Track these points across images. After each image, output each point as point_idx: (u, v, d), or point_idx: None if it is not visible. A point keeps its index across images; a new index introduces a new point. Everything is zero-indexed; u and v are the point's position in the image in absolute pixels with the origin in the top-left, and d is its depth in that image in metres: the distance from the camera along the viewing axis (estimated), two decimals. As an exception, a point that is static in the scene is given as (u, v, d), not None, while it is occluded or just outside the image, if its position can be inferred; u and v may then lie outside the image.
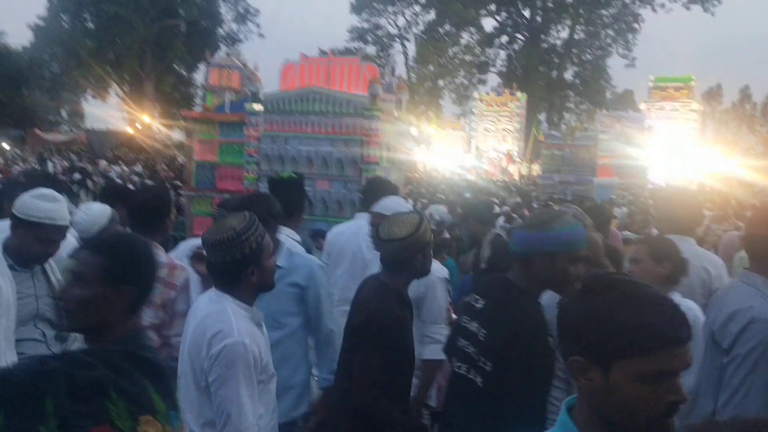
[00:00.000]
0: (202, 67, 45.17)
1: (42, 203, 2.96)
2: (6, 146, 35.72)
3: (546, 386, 2.49)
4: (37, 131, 38.48)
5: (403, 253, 2.87)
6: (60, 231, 3.02)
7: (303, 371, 3.43)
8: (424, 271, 3.03)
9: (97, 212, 3.81)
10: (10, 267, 2.87)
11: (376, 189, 4.46)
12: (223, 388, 2.37)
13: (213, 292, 2.57)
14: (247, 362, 2.40)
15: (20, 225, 2.96)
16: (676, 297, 3.07)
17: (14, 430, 0.56)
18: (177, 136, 38.76)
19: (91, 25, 44.20)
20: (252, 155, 7.52)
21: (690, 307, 3.02)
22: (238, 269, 2.47)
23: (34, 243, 2.96)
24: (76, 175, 19.41)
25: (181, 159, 33.16)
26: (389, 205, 3.80)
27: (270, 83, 7.98)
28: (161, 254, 3.33)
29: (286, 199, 3.84)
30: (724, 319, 2.73)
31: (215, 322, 2.44)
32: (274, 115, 7.30)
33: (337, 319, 3.50)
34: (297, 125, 7.21)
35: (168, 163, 31.46)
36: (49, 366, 0.60)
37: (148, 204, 3.49)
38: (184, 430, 0.66)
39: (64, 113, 53.22)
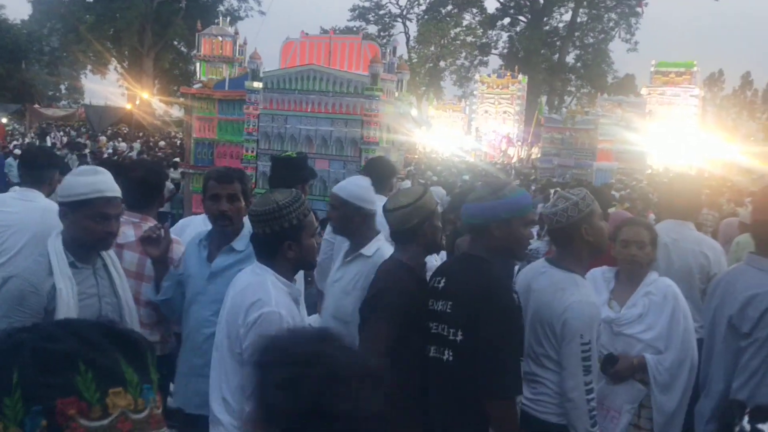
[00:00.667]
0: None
1: (83, 178, 2.69)
2: (5, 120, 35.55)
3: (519, 347, 2.62)
4: (36, 106, 38.27)
5: (409, 220, 2.86)
6: (112, 204, 2.69)
7: None
8: (435, 243, 2.99)
9: None
10: (71, 264, 2.67)
11: (377, 169, 4.39)
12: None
13: (256, 265, 2.65)
14: None
15: (69, 210, 2.67)
16: (653, 275, 3.23)
17: None
18: (176, 113, 38.61)
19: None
20: (251, 133, 7.49)
21: (668, 284, 3.20)
22: (276, 242, 2.55)
23: (89, 225, 2.64)
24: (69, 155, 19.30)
25: (179, 136, 33.06)
26: (346, 186, 3.61)
27: (270, 61, 7.93)
28: None
29: (288, 178, 3.81)
30: (742, 304, 2.79)
31: (254, 291, 2.52)
32: (273, 93, 7.27)
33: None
34: (297, 104, 7.17)
35: (166, 139, 31.35)
36: (16, 338, 0.60)
37: (142, 179, 3.48)
38: (159, 403, 0.66)
39: (63, 88, 52.95)
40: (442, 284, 2.68)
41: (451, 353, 2.55)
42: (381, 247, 3.23)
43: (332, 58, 7.55)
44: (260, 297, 2.49)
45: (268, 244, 2.57)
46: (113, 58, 44.67)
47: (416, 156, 26.96)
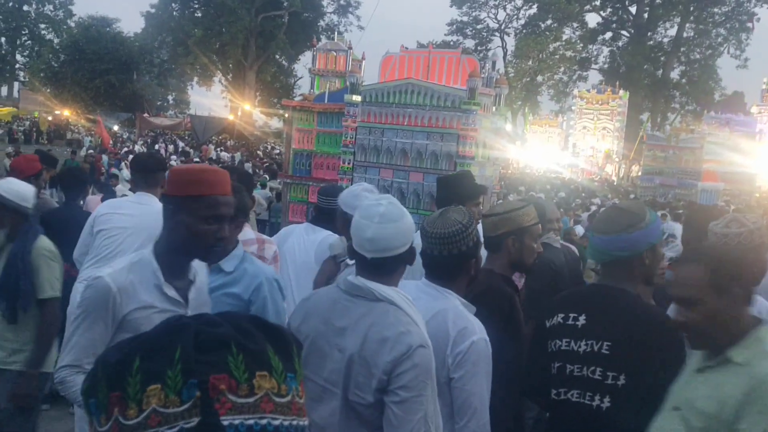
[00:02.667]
0: (302, 57, 46.18)
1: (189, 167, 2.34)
2: (116, 128, 37.63)
3: None
4: (146, 115, 40.31)
5: (494, 229, 2.79)
6: (228, 204, 2.14)
7: None
8: (521, 262, 2.86)
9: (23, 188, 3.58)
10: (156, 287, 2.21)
11: (451, 186, 4.05)
12: (470, 384, 2.29)
13: (432, 287, 2.46)
14: (489, 358, 2.34)
15: (176, 209, 2.09)
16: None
17: (148, 371, 0.67)
18: (275, 124, 39.74)
19: (199, 14, 45.87)
20: (348, 145, 7.61)
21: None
22: (462, 262, 2.44)
23: (199, 226, 2.07)
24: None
25: (278, 147, 34.02)
26: (345, 198, 3.54)
27: (369, 75, 8.05)
28: (250, 231, 3.43)
29: (456, 192, 3.76)
30: None
31: (456, 319, 2.35)
32: (372, 106, 7.35)
33: None
34: (394, 117, 7.23)
35: (265, 150, 32.32)
36: (183, 321, 0.71)
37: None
38: (302, 394, 0.73)
39: (170, 99, 55.61)
40: (581, 322, 2.45)
41: (608, 400, 2.34)
42: None
43: (431, 73, 7.57)
44: (465, 325, 2.33)
45: (454, 264, 2.42)
46: (218, 71, 46.50)
47: (509, 171, 26.63)
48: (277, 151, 32.19)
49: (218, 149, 31.27)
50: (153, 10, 47.32)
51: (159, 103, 53.17)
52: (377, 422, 2.07)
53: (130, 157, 20.05)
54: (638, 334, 2.32)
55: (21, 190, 3.50)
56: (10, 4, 57.82)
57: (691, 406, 2.00)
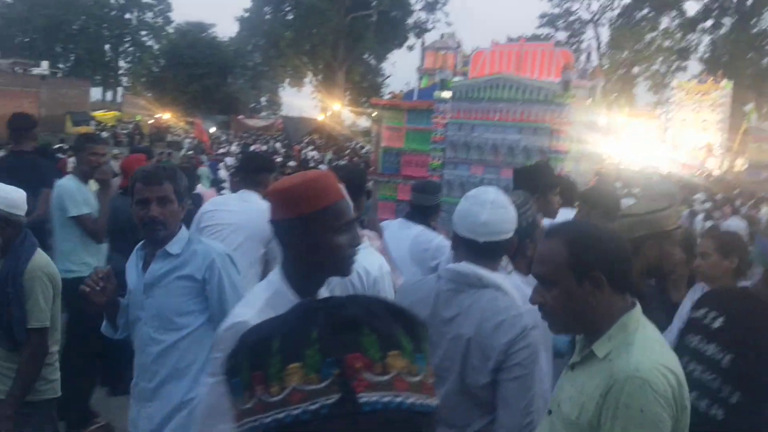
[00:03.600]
0: (390, 56, 46.44)
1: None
2: (213, 130, 38.97)
3: None
4: (240, 117, 41.56)
5: (631, 231, 2.60)
6: (350, 207, 1.92)
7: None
8: (658, 269, 2.70)
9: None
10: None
11: (529, 176, 3.94)
12: (529, 369, 2.16)
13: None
14: (548, 341, 2.34)
15: (305, 229, 1.80)
16: None
17: (287, 351, 0.71)
18: (363, 123, 40.13)
19: (290, 16, 46.85)
20: (437, 142, 7.56)
21: None
22: (518, 242, 2.39)
23: (334, 239, 1.84)
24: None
25: (366, 145, 34.32)
26: None
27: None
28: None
29: (534, 183, 3.71)
30: None
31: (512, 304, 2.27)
32: (462, 102, 7.27)
33: None
34: (485, 113, 7.12)
35: (353, 149, 32.65)
36: (314, 305, 0.75)
37: (347, 180, 3.55)
38: (431, 375, 0.75)
39: (263, 101, 57.10)
40: (718, 324, 2.27)
41: (721, 411, 2.19)
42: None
43: (522, 66, 7.43)
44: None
45: (496, 246, 2.27)
46: (309, 72, 47.38)
47: (602, 167, 25.83)
48: (364, 149, 32.50)
49: (308, 149, 31.85)
50: (247, 15, 48.73)
51: (252, 105, 54.69)
52: (490, 400, 2.14)
53: (226, 159, 20.75)
54: (764, 353, 2.13)
55: (10, 196, 3.07)
56: (113, 12, 60.88)
57: (557, 410, 1.82)
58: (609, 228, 2.18)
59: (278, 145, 33.47)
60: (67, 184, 4.52)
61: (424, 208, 4.02)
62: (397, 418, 0.70)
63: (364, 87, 48.10)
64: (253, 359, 0.72)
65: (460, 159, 7.22)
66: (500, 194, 2.27)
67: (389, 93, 10.02)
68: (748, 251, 3.05)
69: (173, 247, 2.67)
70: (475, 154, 7.09)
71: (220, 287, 2.67)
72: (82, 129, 38.22)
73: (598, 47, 48.06)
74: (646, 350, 1.69)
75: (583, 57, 7.65)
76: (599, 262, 1.73)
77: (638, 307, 1.79)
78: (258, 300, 1.89)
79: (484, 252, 2.20)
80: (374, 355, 0.70)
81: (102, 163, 4.63)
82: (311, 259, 1.84)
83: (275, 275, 1.94)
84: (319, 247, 1.81)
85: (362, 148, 32.85)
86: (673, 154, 32.36)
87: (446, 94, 7.38)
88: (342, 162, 20.49)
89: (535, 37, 44.15)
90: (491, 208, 2.20)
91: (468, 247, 2.22)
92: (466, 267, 2.19)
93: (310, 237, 1.80)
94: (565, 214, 3.77)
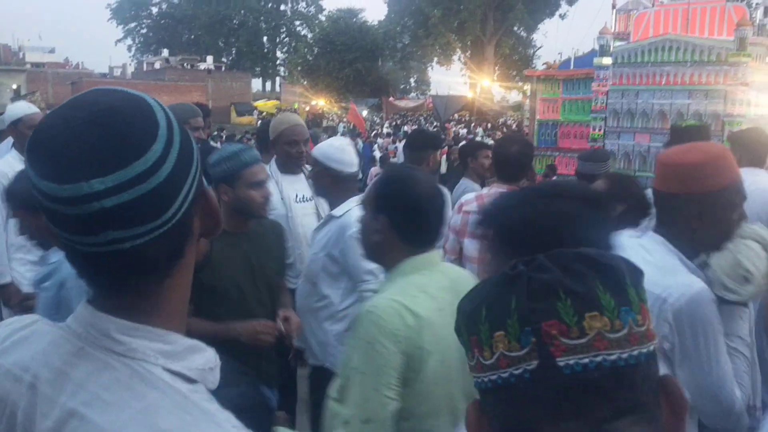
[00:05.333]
0: (542, 26, 45.05)
1: None
2: (365, 113, 39.89)
3: None
4: (391, 99, 42.16)
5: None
6: None
7: None
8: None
9: None
10: None
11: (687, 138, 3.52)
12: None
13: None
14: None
15: (715, 204, 1.82)
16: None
17: (492, 319, 0.74)
18: (514, 97, 39.37)
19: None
20: (598, 111, 7.26)
21: None
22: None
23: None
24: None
25: (510, 119, 33.70)
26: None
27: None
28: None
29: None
30: None
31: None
32: (624, 67, 6.93)
33: None
34: (650, 77, 6.75)
35: (501, 124, 32.13)
36: (517, 270, 0.76)
37: (519, 153, 3.56)
38: (644, 320, 0.74)
39: (412, 81, 57.53)
40: None
41: None
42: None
43: (690, 26, 6.93)
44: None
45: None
46: (458, 49, 47.05)
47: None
48: (510, 123, 31.91)
49: (459, 126, 31.73)
50: (394, -3, 49.19)
51: (402, 86, 55.27)
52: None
53: (378, 140, 21.20)
54: None
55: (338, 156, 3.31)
56: (270, 5, 63.77)
57: None
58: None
59: (424, 122, 33.66)
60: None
61: (592, 177, 3.78)
62: (600, 376, 0.71)
63: (515, 60, 47.03)
64: (469, 325, 0.78)
65: (623, 128, 6.91)
66: None
67: (543, 63, 9.72)
68: (638, 197, 2.93)
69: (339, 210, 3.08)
70: (639, 121, 6.75)
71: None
72: (245, 119, 40.54)
73: (774, 0, 43.87)
74: (396, 291, 1.81)
75: (758, 12, 6.99)
76: (387, 207, 1.90)
77: (425, 256, 1.93)
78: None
79: None
80: (570, 320, 0.71)
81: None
82: (708, 232, 1.85)
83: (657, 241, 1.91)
84: (719, 222, 1.83)
85: (512, 124, 32.25)
86: None
87: (607, 60, 7.06)
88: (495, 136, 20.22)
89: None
90: None
91: None
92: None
93: (716, 212, 1.81)
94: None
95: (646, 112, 6.76)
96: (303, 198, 3.81)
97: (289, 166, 3.86)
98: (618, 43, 7.14)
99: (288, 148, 3.80)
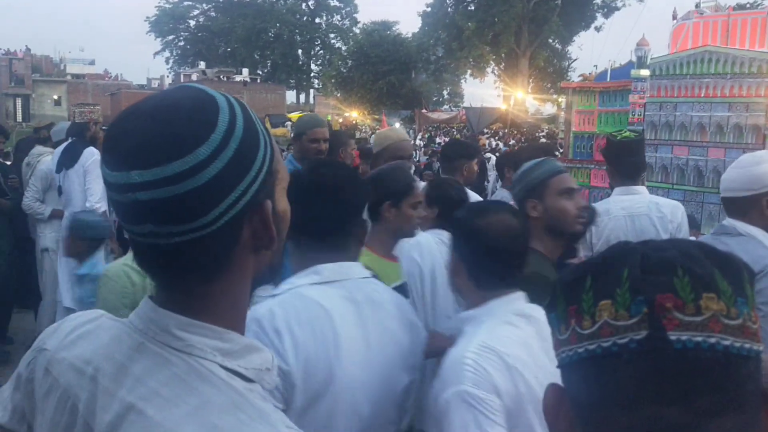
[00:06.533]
0: (577, 38, 44.76)
1: None
2: (398, 125, 39.98)
3: None
4: (424, 111, 42.22)
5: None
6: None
7: None
8: None
9: None
10: None
11: None
12: None
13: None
14: None
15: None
16: None
17: (599, 288, 0.74)
18: (548, 110, 39.12)
19: (472, 7, 46.74)
20: (635, 123, 7.18)
21: None
22: None
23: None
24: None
25: (546, 132, 33.47)
26: None
27: (658, 49, 7.52)
28: None
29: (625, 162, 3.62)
30: None
31: None
32: (662, 79, 6.85)
33: None
34: (688, 89, 6.65)
35: (536, 136, 31.95)
36: (629, 246, 0.77)
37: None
38: (756, 319, 0.73)
39: (445, 93, 57.56)
40: None
41: None
42: None
43: (731, 38, 6.83)
44: None
45: None
46: (491, 61, 46.98)
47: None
48: (543, 135, 31.70)
49: (493, 138, 31.63)
50: (429, 9, 49.34)
51: (435, 98, 55.32)
52: None
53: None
54: None
55: None
56: (305, 18, 64.44)
57: None
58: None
59: (456, 134, 33.57)
60: None
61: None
62: (711, 358, 0.68)
63: (549, 72, 46.82)
64: (569, 295, 0.76)
65: (661, 140, 6.81)
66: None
67: (579, 75, 9.67)
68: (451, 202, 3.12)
69: None
70: (678, 134, 6.65)
71: None
72: (279, 130, 40.91)
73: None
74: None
75: (802, 22, 6.88)
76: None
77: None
78: None
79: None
80: (686, 297, 0.69)
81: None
82: None
83: None
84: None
85: (547, 135, 32.03)
86: None
87: (644, 72, 6.98)
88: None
89: (740, 7, 40.43)
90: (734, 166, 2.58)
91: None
92: (729, 221, 2.77)
93: None
94: None
95: (684, 125, 6.66)
96: None
97: None
98: (658, 56, 7.07)
99: None
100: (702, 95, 6.54)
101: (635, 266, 0.72)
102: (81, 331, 0.93)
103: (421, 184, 3.03)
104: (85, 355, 0.89)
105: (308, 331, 1.57)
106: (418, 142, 28.74)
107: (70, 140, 5.94)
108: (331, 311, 1.63)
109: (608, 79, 8.03)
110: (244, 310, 0.93)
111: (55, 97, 53.13)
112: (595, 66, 24.31)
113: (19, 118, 47.33)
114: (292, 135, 4.08)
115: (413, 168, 15.54)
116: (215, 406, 0.81)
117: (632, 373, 0.69)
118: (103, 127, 6.98)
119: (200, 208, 0.80)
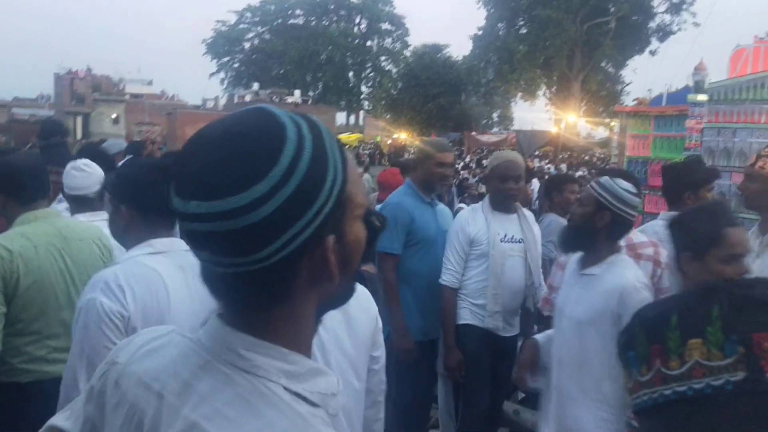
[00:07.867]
0: (630, 62, 44.23)
1: None
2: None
3: None
4: (473, 133, 42.15)
5: None
6: None
7: None
8: None
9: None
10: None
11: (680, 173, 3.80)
12: None
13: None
14: None
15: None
16: None
17: (686, 326, 0.71)
18: (600, 133, 38.61)
19: (524, 30, 46.63)
20: (692, 149, 7.03)
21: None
22: None
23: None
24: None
25: (600, 156, 32.98)
26: None
27: (714, 73, 7.37)
28: (641, 234, 3.47)
29: (686, 180, 3.66)
30: None
31: None
32: (720, 105, 6.71)
33: None
34: (748, 115, 6.50)
35: (589, 160, 31.50)
36: (716, 284, 0.73)
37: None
38: None
39: (495, 116, 57.37)
40: None
41: None
42: None
43: (793, 62, 6.67)
44: None
45: None
46: (543, 84, 46.69)
47: None
48: (597, 159, 31.24)
49: (543, 162, 31.34)
50: (480, 33, 49.42)
51: (484, 121, 55.19)
52: None
53: (461, 173, 21.18)
54: None
55: None
56: (357, 41, 65.20)
57: None
58: None
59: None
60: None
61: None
62: None
63: (602, 96, 46.25)
64: (651, 333, 0.74)
65: (719, 166, 6.65)
66: None
67: (634, 99, 9.54)
68: None
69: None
70: (737, 160, 6.49)
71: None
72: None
73: None
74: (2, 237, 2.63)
75: None
76: None
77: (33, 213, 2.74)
78: None
79: None
80: None
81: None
82: None
83: None
84: None
85: (599, 159, 31.59)
86: None
87: (702, 97, 6.85)
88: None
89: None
90: None
91: None
92: None
93: None
94: None
95: (743, 151, 6.50)
96: (511, 239, 3.72)
97: (500, 204, 3.79)
98: (716, 80, 6.94)
99: (500, 185, 3.75)
100: (762, 121, 6.39)
101: (725, 304, 0.69)
102: (151, 346, 0.94)
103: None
104: (153, 370, 0.90)
105: (144, 287, 2.01)
106: (463, 163, 28.68)
107: (127, 158, 6.14)
108: (162, 274, 2.05)
109: (664, 104, 7.90)
110: (310, 336, 0.92)
111: (114, 115, 54.79)
112: (650, 90, 23.89)
113: (79, 135, 48.88)
114: (417, 157, 4.10)
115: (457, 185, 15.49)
116: (276, 429, 0.80)
117: (729, 417, 0.66)
118: (161, 147, 7.17)
119: (255, 244, 0.79)
